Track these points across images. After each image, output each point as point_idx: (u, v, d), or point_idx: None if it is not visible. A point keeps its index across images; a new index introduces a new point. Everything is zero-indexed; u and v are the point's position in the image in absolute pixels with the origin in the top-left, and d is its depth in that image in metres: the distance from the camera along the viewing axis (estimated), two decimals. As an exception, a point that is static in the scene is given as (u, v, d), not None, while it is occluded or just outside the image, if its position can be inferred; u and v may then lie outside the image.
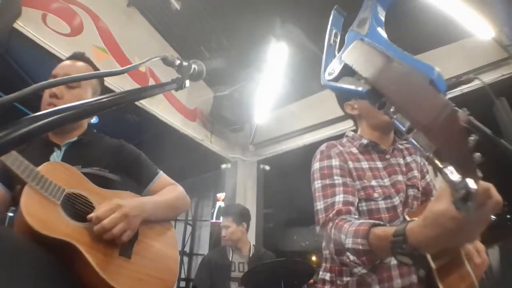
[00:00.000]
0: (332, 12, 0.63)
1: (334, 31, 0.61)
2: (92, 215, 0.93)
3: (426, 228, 0.60)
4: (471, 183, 0.36)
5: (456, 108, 0.38)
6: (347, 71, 0.49)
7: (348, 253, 0.80)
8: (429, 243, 0.61)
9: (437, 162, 0.37)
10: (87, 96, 1.21)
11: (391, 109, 0.42)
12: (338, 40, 0.60)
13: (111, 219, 0.93)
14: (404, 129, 0.41)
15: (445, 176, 0.37)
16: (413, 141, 0.39)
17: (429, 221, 0.59)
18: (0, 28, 2.19)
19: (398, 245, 0.65)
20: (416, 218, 0.87)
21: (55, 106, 1.11)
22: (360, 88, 0.45)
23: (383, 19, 0.52)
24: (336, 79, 0.50)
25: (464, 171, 0.36)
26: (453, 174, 0.36)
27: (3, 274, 0.68)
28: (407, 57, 0.43)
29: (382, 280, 0.94)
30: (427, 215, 0.60)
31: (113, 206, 0.96)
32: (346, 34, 0.53)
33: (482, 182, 0.48)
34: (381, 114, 1.11)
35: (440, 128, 0.34)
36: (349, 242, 0.80)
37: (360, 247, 0.76)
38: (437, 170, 0.38)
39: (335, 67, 0.51)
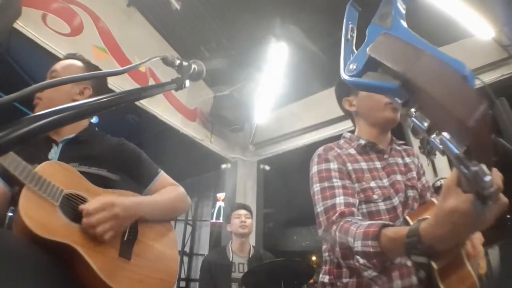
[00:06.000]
0: (347, 6, 0.61)
1: (350, 26, 0.58)
2: (83, 206, 0.93)
3: (438, 227, 0.60)
4: (494, 181, 0.36)
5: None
6: (370, 67, 0.46)
7: (358, 257, 0.78)
8: (443, 240, 0.62)
9: (466, 162, 0.37)
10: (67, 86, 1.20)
11: (413, 108, 0.40)
12: (355, 35, 0.58)
13: (99, 218, 0.92)
14: (424, 127, 0.39)
15: (476, 176, 0.37)
16: (434, 141, 0.38)
17: (441, 220, 0.59)
18: (0, 28, 2.19)
19: (413, 246, 0.64)
20: (418, 218, 0.87)
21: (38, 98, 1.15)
22: (389, 84, 0.42)
23: (404, 12, 0.50)
24: (359, 75, 0.47)
25: (489, 169, 0.36)
26: (484, 172, 0.36)
27: (3, 276, 0.68)
28: (436, 50, 0.40)
29: (382, 281, 0.93)
30: (438, 214, 0.60)
31: (106, 203, 0.95)
32: (367, 28, 0.50)
33: (495, 178, 0.49)
34: (381, 111, 1.11)
35: (475, 126, 0.34)
36: (358, 245, 0.77)
37: (371, 250, 0.74)
38: (465, 170, 0.37)
39: (356, 62, 0.48)
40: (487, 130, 0.35)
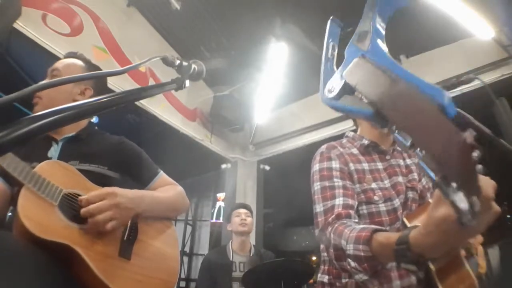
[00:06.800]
0: (328, 23, 0.59)
1: (331, 44, 0.57)
2: (83, 197, 0.92)
3: (428, 236, 0.60)
4: (476, 205, 0.35)
5: (466, 133, 0.36)
6: (348, 89, 0.46)
7: (349, 260, 0.79)
8: (433, 249, 0.61)
9: (444, 188, 0.36)
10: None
11: (393, 127, 0.40)
12: (336, 53, 0.57)
13: (99, 205, 0.91)
14: (407, 145, 0.39)
15: (453, 204, 0.36)
16: (419, 153, 0.37)
17: (430, 229, 0.59)
18: (0, 28, 2.19)
19: (402, 253, 0.64)
20: (416, 222, 0.87)
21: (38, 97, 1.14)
22: (364, 109, 0.42)
23: (383, 32, 0.48)
24: (337, 97, 0.47)
25: (469, 191, 0.35)
26: (461, 200, 0.35)
27: (3, 277, 0.68)
28: (413, 77, 0.39)
29: (381, 282, 0.93)
30: (428, 223, 0.59)
31: (107, 192, 0.94)
32: (346, 49, 0.49)
33: (484, 191, 0.49)
34: None
35: (449, 156, 0.33)
36: (350, 249, 0.78)
37: (362, 254, 0.75)
38: (444, 196, 0.37)
39: (335, 84, 0.47)
40: (466, 158, 0.34)
